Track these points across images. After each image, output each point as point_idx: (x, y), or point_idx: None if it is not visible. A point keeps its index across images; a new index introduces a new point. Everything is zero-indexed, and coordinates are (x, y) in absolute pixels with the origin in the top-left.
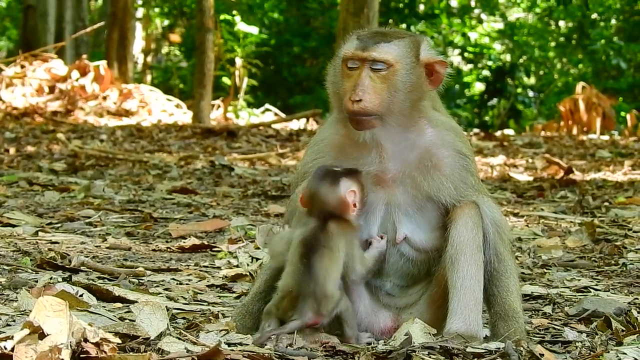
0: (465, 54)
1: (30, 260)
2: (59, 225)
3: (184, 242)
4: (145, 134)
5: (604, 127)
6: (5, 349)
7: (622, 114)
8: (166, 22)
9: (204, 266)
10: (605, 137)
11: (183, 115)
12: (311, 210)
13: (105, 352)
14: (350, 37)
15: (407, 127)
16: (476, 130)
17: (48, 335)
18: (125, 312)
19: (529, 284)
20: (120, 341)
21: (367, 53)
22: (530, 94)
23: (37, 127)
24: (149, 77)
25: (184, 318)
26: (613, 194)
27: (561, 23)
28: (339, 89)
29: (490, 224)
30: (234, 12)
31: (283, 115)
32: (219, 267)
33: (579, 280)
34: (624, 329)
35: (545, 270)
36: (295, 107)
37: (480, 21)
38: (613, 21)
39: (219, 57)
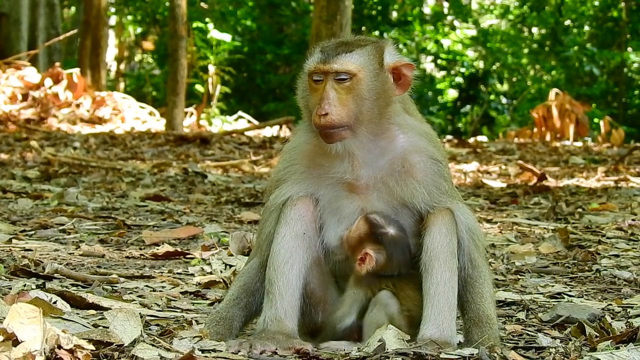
0: (438, 61)
1: (4, 267)
2: (33, 232)
3: (158, 249)
4: (119, 141)
5: (577, 133)
6: None
7: (596, 120)
8: (139, 30)
9: (178, 273)
10: (579, 144)
11: (156, 123)
12: None
13: (79, 359)
14: (315, 50)
15: (378, 134)
16: (449, 137)
17: (22, 342)
18: (99, 319)
19: (503, 290)
20: (94, 348)
21: (329, 65)
22: (504, 100)
23: (10, 134)
24: (122, 85)
25: (157, 325)
26: (586, 200)
27: (534, 30)
28: (308, 103)
29: (464, 230)
30: (207, 19)
31: (256, 122)
32: (192, 274)
33: (553, 286)
34: (598, 334)
35: (519, 277)
36: (268, 114)
37: (453, 28)
38: (586, 28)
39: (192, 65)
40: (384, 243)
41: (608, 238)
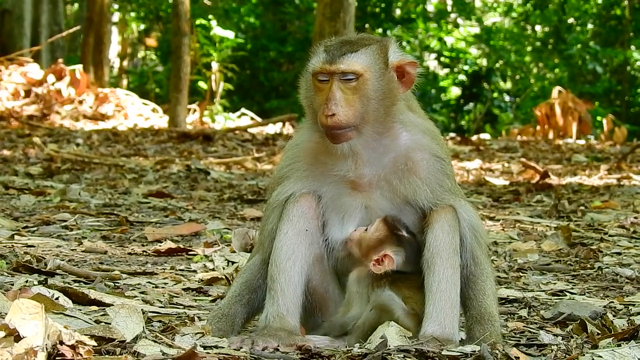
0: (442, 59)
1: (6, 263)
2: (35, 228)
3: (160, 246)
4: (121, 138)
5: (580, 131)
6: None
7: (598, 118)
8: (142, 27)
9: (180, 269)
10: (581, 142)
11: (159, 120)
12: None
13: (81, 355)
14: (318, 50)
15: (382, 132)
16: (452, 134)
17: (24, 337)
18: (101, 315)
19: (505, 287)
20: (95, 344)
21: (335, 66)
22: (507, 98)
23: (13, 131)
24: (125, 82)
25: (159, 321)
26: (589, 198)
27: (537, 27)
28: (313, 103)
29: (467, 227)
30: (210, 16)
31: (259, 119)
32: (194, 271)
33: (555, 283)
34: (599, 332)
35: (521, 274)
36: (271, 111)
37: (456, 26)
38: (589, 26)
39: (195, 62)
40: (404, 244)
41: (610, 236)
